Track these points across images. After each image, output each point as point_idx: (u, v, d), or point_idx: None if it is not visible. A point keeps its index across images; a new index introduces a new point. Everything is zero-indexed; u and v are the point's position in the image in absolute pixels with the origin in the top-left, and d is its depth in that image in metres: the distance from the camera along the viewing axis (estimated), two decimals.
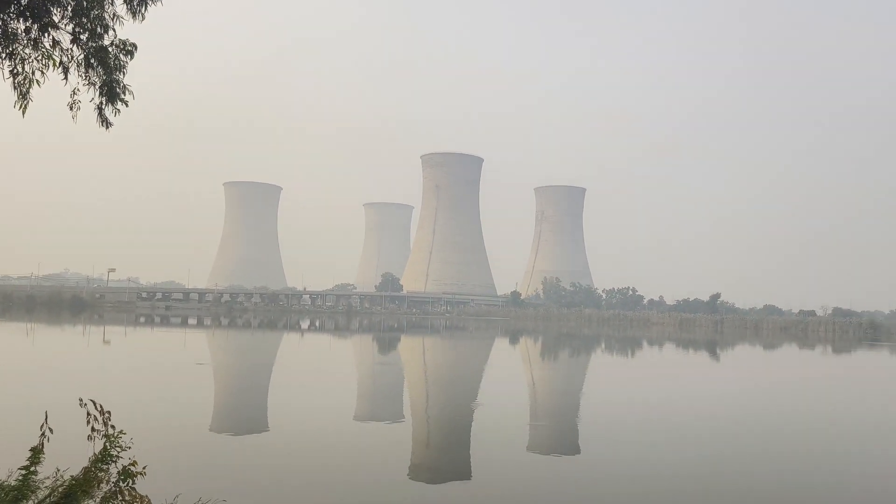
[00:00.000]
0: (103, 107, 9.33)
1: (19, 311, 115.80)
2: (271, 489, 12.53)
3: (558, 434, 20.23)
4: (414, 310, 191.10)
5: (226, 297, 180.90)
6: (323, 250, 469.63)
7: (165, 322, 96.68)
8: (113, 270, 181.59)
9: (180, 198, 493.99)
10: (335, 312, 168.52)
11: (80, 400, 7.12)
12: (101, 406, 7.18)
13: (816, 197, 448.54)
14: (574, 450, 17.53)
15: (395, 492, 12.80)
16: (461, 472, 14.96)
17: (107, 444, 6.98)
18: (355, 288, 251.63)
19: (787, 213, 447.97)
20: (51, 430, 7.03)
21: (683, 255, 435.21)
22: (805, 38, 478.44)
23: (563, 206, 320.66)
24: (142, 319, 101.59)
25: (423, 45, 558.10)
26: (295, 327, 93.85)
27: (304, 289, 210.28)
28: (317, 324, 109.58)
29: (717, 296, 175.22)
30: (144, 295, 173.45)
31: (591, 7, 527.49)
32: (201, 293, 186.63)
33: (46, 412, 7.17)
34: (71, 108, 9.07)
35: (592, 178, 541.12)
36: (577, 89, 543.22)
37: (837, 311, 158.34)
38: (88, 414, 7.11)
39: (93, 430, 7.06)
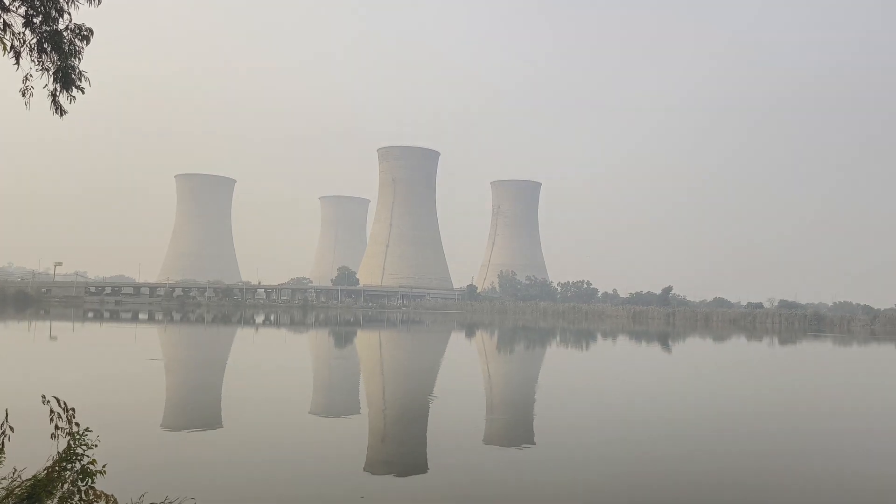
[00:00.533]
0: (57, 94, 9.00)
1: None
2: (229, 485, 12.45)
3: (514, 426, 20.52)
4: (370, 304, 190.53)
5: (178, 292, 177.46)
6: (278, 244, 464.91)
7: (115, 317, 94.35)
8: (60, 264, 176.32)
9: (130, 190, 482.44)
10: (291, 307, 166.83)
11: (43, 397, 6.83)
12: (64, 403, 6.92)
13: (765, 193, 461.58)
14: (529, 440, 17.81)
15: (352, 485, 12.85)
16: (418, 465, 15.08)
17: (71, 442, 6.76)
18: (311, 282, 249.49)
19: (737, 208, 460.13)
20: (11, 429, 6.80)
21: (637, 249, 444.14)
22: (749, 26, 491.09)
23: (519, 201, 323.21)
24: (90, 315, 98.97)
25: (380, 39, 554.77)
26: (249, 322, 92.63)
27: (259, 283, 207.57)
28: (272, 318, 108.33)
29: (668, 289, 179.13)
30: (93, 289, 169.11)
31: (545, 2, 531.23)
32: (152, 287, 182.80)
33: (7, 410, 6.95)
34: (23, 95, 8.68)
35: (548, 172, 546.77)
36: (532, 82, 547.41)
37: (783, 304, 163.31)
38: (52, 411, 6.84)
39: (56, 427, 6.81)
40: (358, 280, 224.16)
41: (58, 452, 6.74)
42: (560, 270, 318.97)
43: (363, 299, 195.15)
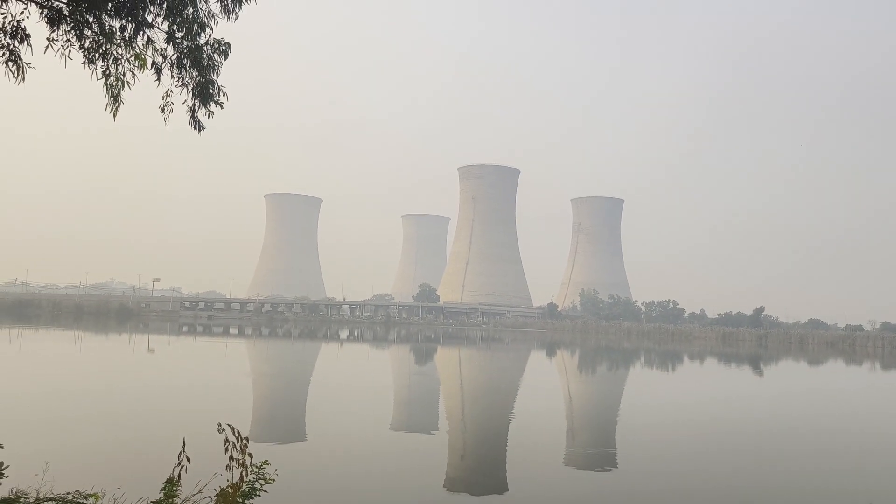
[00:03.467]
0: (196, 109, 8.89)
1: (68, 319, 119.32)
2: (311, 499, 12.78)
3: (595, 449, 20.13)
4: (450, 321, 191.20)
5: (266, 307, 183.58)
6: (361, 261, 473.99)
7: (208, 331, 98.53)
8: (158, 280, 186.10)
9: (222, 209, 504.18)
10: (374, 323, 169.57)
11: (219, 425, 6.56)
12: (238, 432, 6.55)
13: (863, 209, 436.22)
14: (611, 464, 17.42)
15: (432, 502, 12.93)
16: (497, 485, 15.02)
17: (243, 473, 6.39)
18: (393, 298, 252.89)
19: (832, 224, 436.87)
20: (188, 460, 6.39)
21: (725, 267, 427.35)
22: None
23: (601, 217, 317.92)
24: (185, 329, 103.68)
25: (461, 58, 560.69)
26: (334, 337, 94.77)
27: (344, 299, 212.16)
28: (355, 334, 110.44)
29: (760, 309, 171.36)
30: (187, 304, 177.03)
31: (625, 19, 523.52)
32: (242, 303, 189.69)
33: (184, 439, 6.60)
34: (163, 111, 8.66)
35: (631, 188, 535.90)
36: (614, 99, 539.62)
37: (886, 326, 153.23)
38: (226, 440, 6.47)
39: (231, 458, 6.46)
40: (438, 297, 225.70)
41: (231, 484, 6.37)
42: (644, 289, 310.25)
43: (443, 316, 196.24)
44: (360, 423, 21.92)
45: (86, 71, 8.32)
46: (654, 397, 35.92)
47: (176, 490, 6.29)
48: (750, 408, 32.41)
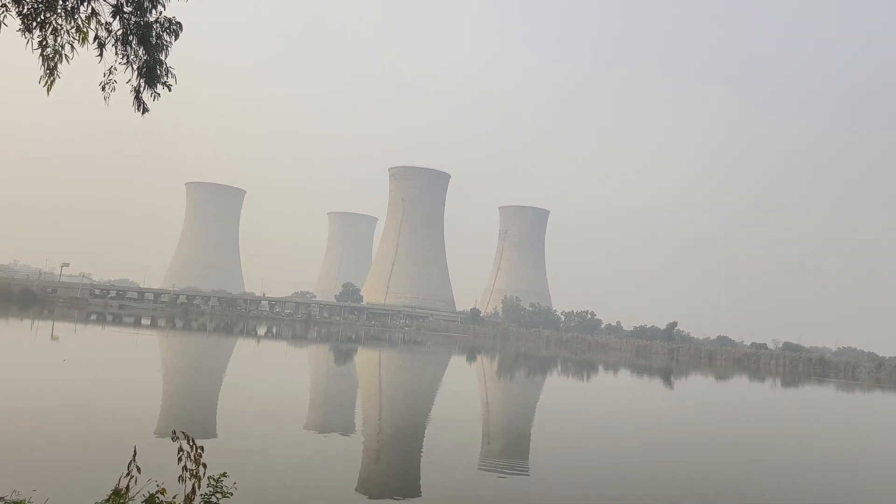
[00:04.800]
0: (141, 90, 8.46)
1: None
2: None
3: (509, 453, 20.31)
4: (373, 322, 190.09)
5: (182, 299, 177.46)
6: (284, 257, 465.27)
7: (118, 321, 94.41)
8: (67, 265, 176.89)
9: (139, 194, 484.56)
10: (293, 320, 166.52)
11: (174, 432, 6.21)
12: (193, 440, 6.15)
13: (772, 235, 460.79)
14: (523, 469, 17.60)
15: None
16: (411, 488, 14.90)
17: (196, 485, 5.99)
18: (315, 297, 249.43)
19: (744, 247, 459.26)
20: (138, 470, 5.97)
21: (642, 282, 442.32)
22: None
23: (527, 227, 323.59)
24: (93, 317, 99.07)
25: (395, 57, 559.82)
26: (252, 333, 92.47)
27: (263, 294, 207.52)
28: (274, 331, 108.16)
29: (673, 324, 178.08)
30: (98, 292, 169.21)
31: (554, 23, 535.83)
32: (157, 293, 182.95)
33: (135, 447, 6.25)
34: (104, 89, 8.18)
35: (557, 201, 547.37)
36: (545, 109, 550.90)
37: (787, 346, 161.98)
38: (180, 450, 6.04)
39: (185, 469, 6.04)
40: (362, 297, 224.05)
41: (185, 496, 5.99)
42: (564, 300, 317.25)
43: (366, 317, 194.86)
44: (273, 421, 21.40)
45: (20, 40, 7.72)
46: (569, 405, 36.67)
47: (123, 503, 5.85)
48: (659, 419, 33.50)
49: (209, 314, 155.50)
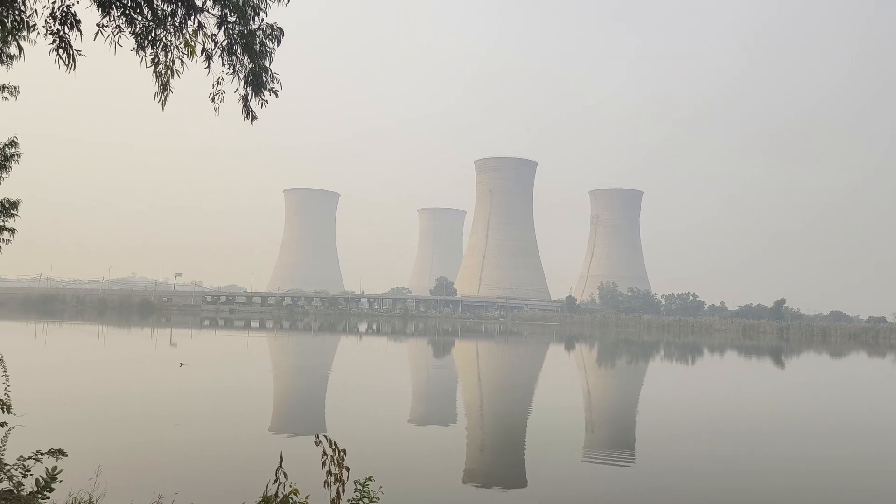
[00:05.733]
0: (249, 98, 8.46)
1: (91, 313, 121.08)
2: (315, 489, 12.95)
3: (614, 443, 20.17)
4: (468, 314, 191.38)
5: (287, 301, 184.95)
6: (378, 255, 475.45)
7: (229, 325, 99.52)
8: (180, 275, 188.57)
9: (242, 204, 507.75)
10: (392, 316, 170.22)
11: (316, 436, 6.23)
12: (335, 443, 6.12)
13: (885, 202, 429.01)
14: (630, 459, 17.46)
15: (452, 496, 13.05)
16: (516, 479, 15.12)
17: (340, 489, 5.93)
18: (410, 292, 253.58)
19: (854, 217, 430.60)
20: (286, 476, 6.04)
21: (747, 259, 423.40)
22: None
23: (619, 210, 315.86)
24: (206, 322, 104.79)
25: (477, 51, 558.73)
26: (353, 331, 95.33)
27: (362, 293, 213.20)
28: (374, 327, 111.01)
29: (781, 301, 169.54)
30: (209, 298, 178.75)
31: (640, 8, 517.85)
32: (263, 297, 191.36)
33: (281, 454, 6.28)
34: (213, 100, 8.27)
35: (650, 180, 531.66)
36: (632, 91, 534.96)
37: None
38: (324, 454, 6.02)
39: (329, 473, 5.99)
40: (455, 290, 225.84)
41: (331, 500, 5.97)
42: (664, 282, 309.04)
43: (461, 309, 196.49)
44: (379, 416, 22.11)
45: (112, 62, 8.10)
46: (675, 391, 35.81)
47: None
48: (773, 401, 32.21)
49: (313, 314, 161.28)
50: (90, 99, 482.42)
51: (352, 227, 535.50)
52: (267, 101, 8.59)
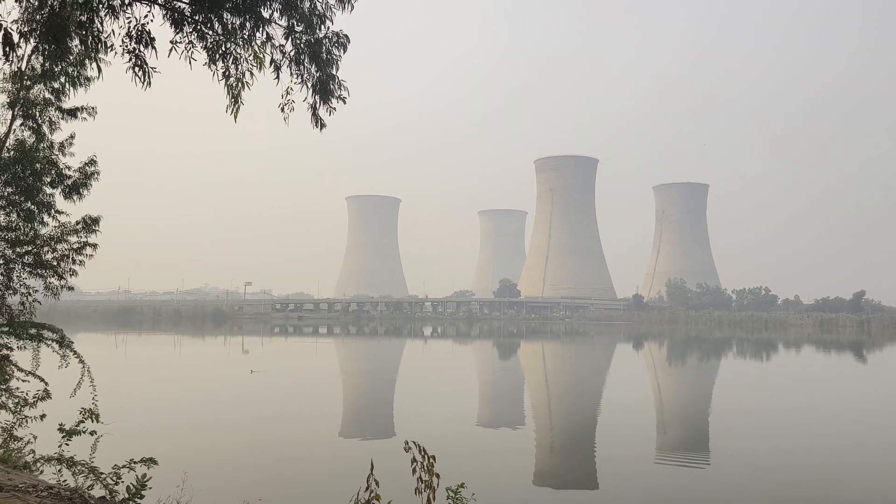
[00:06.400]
0: (318, 106, 8.49)
1: (167, 323, 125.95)
2: (406, 491, 13.11)
3: (687, 444, 19.72)
4: (533, 315, 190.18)
5: (353, 307, 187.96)
6: (440, 259, 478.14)
7: (298, 331, 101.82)
8: (249, 284, 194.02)
9: (306, 212, 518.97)
10: (456, 319, 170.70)
11: (406, 443, 6.19)
12: (424, 450, 6.07)
13: None
14: (704, 461, 17.04)
15: (521, 498, 13.03)
16: (587, 480, 14.97)
17: (430, 496, 5.85)
18: (473, 294, 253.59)
19: None
20: (377, 483, 5.96)
21: (822, 250, 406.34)
22: None
23: (684, 204, 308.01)
24: (276, 329, 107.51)
25: (536, 47, 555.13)
26: (419, 334, 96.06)
27: (426, 296, 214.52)
28: (439, 330, 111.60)
29: (861, 293, 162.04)
30: (278, 306, 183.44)
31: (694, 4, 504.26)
32: (330, 303, 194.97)
33: (372, 461, 6.18)
34: (282, 110, 8.35)
35: (715, 173, 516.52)
36: (693, 84, 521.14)
37: None
38: (413, 460, 5.96)
39: (420, 480, 5.92)
40: (519, 292, 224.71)
41: None
42: (733, 277, 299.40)
43: (525, 311, 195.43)
44: (447, 418, 22.21)
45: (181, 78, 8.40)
46: (749, 389, 34.70)
47: None
48: (853, 400, 30.86)
49: (379, 319, 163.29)
50: (163, 111, 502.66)
51: (414, 233, 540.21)
52: (335, 108, 8.57)
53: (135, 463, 7.19)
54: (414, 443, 5.99)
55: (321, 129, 8.79)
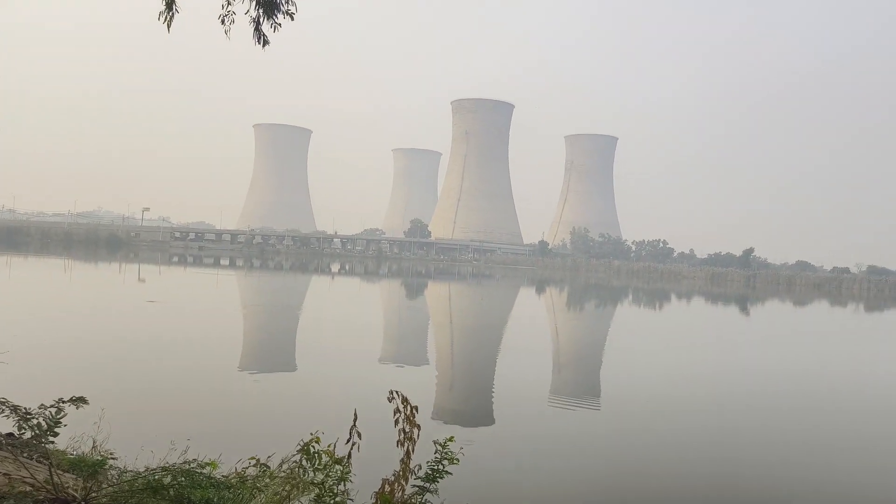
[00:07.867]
0: (261, 21, 7.95)
1: (57, 247, 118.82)
2: (299, 422, 12.92)
3: (580, 385, 20.49)
4: (442, 256, 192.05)
5: (257, 239, 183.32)
6: (351, 195, 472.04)
7: (198, 262, 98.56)
8: (147, 210, 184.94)
9: (210, 138, 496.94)
10: (365, 257, 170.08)
11: (390, 392, 5.85)
12: (405, 399, 5.76)
13: (851, 154, 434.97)
14: (595, 403, 17.76)
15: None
16: (484, 417, 15.27)
17: (410, 448, 5.60)
18: (384, 233, 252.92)
19: (819, 168, 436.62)
20: (359, 436, 5.71)
21: (716, 209, 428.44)
22: None
23: (594, 156, 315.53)
24: (175, 259, 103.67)
25: None
26: (326, 271, 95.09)
27: (335, 233, 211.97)
28: (347, 268, 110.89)
29: (750, 250, 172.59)
30: (178, 235, 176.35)
31: None
32: (233, 234, 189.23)
33: (356, 411, 5.88)
34: (223, 22, 7.70)
35: (624, 127, 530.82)
36: (608, 36, 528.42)
37: (872, 270, 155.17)
38: (396, 411, 5.70)
39: (402, 432, 5.69)
40: (429, 233, 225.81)
41: (401, 460, 5.63)
42: (635, 229, 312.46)
43: (434, 252, 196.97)
44: (349, 354, 22.13)
45: None
46: (639, 336, 36.44)
47: (347, 473, 5.54)
48: (737, 350, 32.96)
49: (284, 253, 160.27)
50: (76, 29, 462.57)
51: (324, 166, 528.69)
52: (280, 24, 8.00)
53: (64, 402, 6.12)
54: (397, 392, 5.69)
55: (264, 45, 8.13)
